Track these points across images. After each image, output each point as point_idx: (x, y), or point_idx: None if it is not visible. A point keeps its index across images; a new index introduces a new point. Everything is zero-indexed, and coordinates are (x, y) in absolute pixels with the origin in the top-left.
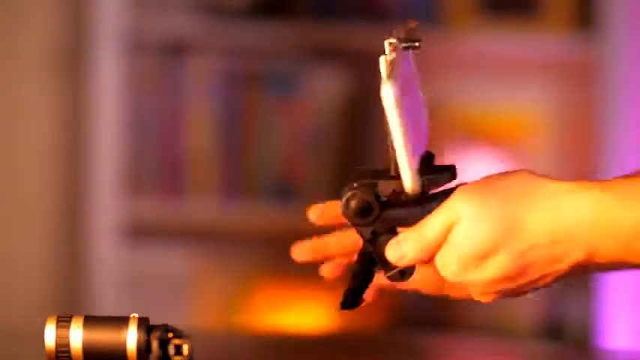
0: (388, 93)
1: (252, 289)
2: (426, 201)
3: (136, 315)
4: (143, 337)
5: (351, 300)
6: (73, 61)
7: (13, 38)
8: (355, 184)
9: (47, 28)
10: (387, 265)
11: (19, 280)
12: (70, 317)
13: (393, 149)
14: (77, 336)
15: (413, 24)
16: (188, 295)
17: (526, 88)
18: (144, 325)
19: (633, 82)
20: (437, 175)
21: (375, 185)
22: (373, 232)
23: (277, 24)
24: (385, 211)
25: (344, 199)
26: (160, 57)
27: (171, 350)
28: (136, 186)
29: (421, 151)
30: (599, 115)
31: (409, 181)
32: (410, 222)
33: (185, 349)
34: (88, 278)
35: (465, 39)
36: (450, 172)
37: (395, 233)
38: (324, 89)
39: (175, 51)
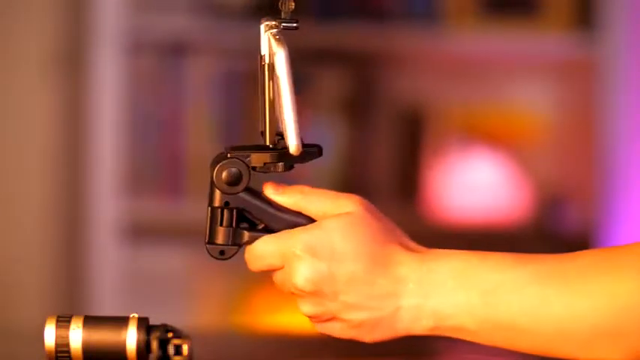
0: (281, 56)
1: (252, 289)
2: (286, 210)
3: (136, 315)
4: (143, 337)
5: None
6: (73, 61)
7: (13, 38)
8: (228, 154)
9: (47, 28)
10: (211, 239)
11: (19, 280)
12: (70, 317)
13: (276, 112)
14: (77, 336)
15: (291, 4)
16: (188, 295)
17: (526, 88)
18: (144, 325)
19: (633, 82)
20: (310, 148)
21: (248, 156)
22: (226, 203)
23: None
24: (249, 192)
25: (217, 166)
26: (160, 57)
27: (171, 350)
28: (136, 186)
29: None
30: (599, 115)
31: (293, 138)
32: (258, 215)
33: (185, 349)
34: (88, 278)
35: (465, 39)
36: (318, 148)
37: (242, 216)
38: (324, 89)
39: (175, 51)
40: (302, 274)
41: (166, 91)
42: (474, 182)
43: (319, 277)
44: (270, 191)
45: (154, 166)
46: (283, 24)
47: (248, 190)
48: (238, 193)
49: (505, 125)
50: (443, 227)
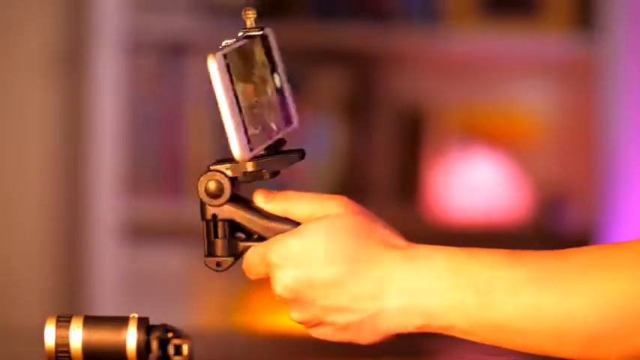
0: (212, 67)
1: (252, 289)
2: (274, 217)
3: (136, 315)
4: (143, 337)
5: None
6: (73, 61)
7: (14, 38)
8: (210, 167)
9: (47, 28)
10: (209, 252)
11: (19, 280)
12: (70, 317)
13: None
14: (77, 336)
15: (250, 13)
16: (188, 295)
17: (526, 88)
18: (144, 325)
19: (633, 82)
20: (283, 155)
21: (228, 168)
22: (214, 215)
23: (277, 24)
24: (235, 202)
25: (199, 182)
26: (159, 57)
27: (171, 350)
28: (136, 186)
29: (269, 137)
30: (599, 115)
31: (236, 147)
32: (248, 224)
33: (185, 349)
34: (88, 278)
35: (465, 39)
36: (299, 154)
37: (236, 226)
38: (324, 89)
39: (175, 51)
40: (279, 281)
41: (166, 91)
42: (474, 182)
43: (295, 284)
44: (260, 199)
45: (154, 166)
46: (247, 33)
47: (236, 200)
48: (222, 205)
49: (505, 125)
50: (443, 227)
